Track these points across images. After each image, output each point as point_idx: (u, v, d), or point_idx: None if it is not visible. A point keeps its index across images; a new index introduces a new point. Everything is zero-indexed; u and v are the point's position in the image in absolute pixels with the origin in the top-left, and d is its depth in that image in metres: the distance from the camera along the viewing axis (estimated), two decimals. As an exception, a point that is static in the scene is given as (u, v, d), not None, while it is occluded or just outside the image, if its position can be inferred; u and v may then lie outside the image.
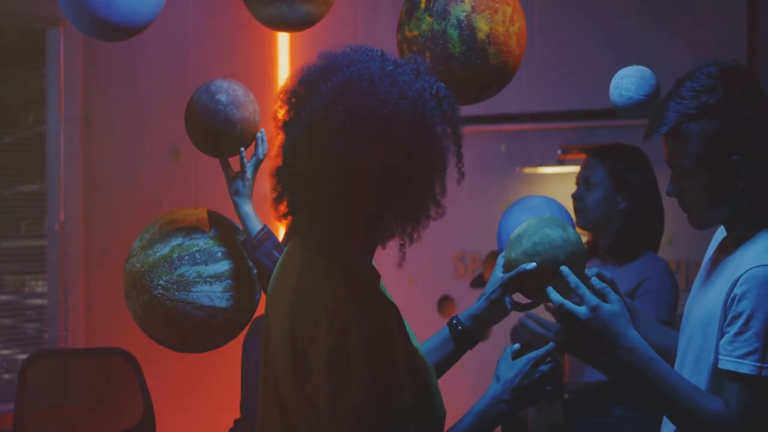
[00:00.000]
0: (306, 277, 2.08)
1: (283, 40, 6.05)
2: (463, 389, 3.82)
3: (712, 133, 2.29)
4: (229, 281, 2.68)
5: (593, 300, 2.32)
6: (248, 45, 5.86)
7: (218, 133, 2.90)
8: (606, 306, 2.32)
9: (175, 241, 2.73)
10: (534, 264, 2.40)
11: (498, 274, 2.52)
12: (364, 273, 2.09)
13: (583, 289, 2.33)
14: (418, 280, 5.80)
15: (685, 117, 2.30)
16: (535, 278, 2.41)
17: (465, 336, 2.50)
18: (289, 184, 2.04)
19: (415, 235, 2.05)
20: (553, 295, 2.35)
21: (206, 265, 2.68)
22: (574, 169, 5.62)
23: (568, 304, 2.32)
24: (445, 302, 5.85)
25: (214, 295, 2.67)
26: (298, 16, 3.20)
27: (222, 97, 2.95)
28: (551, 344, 2.27)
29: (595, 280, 2.39)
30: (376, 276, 2.19)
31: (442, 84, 2.08)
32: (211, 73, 5.44)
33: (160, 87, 5.45)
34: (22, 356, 4.94)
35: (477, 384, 3.81)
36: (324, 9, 3.24)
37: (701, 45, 5.18)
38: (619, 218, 3.67)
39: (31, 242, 5.27)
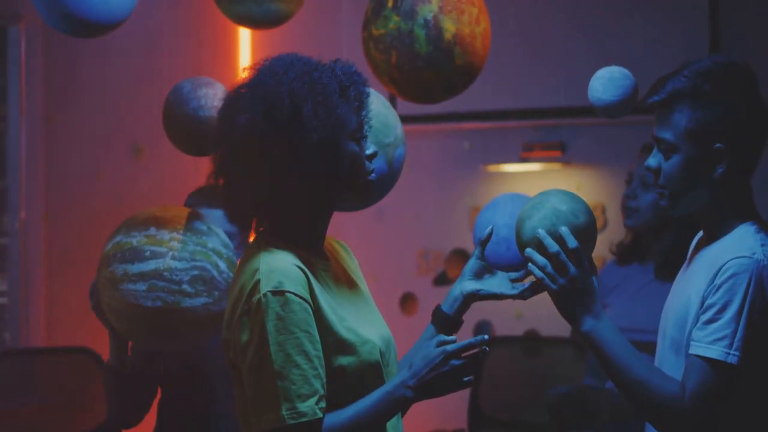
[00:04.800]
0: (245, 256, 2.34)
1: (245, 35, 6.03)
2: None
3: (700, 116, 2.36)
4: (154, 281, 2.67)
5: (585, 264, 2.40)
6: (209, 41, 5.84)
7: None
8: (591, 276, 2.42)
9: (117, 239, 2.75)
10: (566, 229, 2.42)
11: (470, 264, 2.61)
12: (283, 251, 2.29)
13: (582, 253, 2.40)
14: (380, 277, 5.81)
15: (680, 94, 2.37)
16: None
17: (443, 319, 2.57)
18: (225, 180, 2.36)
19: (360, 195, 2.43)
20: (548, 240, 2.40)
21: (132, 263, 2.69)
22: (537, 167, 5.66)
23: (563, 255, 2.38)
24: (407, 300, 5.86)
25: (138, 294, 2.67)
26: (267, 15, 3.20)
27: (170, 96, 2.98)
28: (470, 340, 2.27)
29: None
30: (323, 260, 2.40)
31: (342, 61, 2.39)
32: (171, 68, 5.45)
33: (121, 84, 5.42)
34: (-17, 356, 4.89)
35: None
36: (293, 7, 3.24)
37: (663, 41, 5.22)
38: (673, 228, 3.52)
39: (-8, 240, 5.23)
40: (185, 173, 5.45)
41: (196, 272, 2.70)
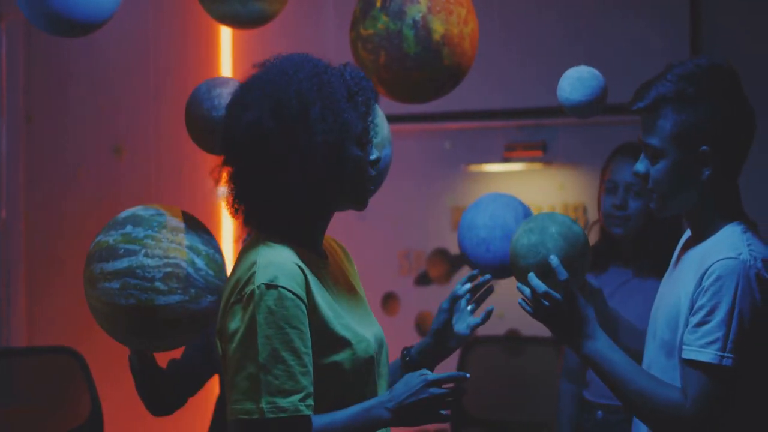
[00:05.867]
0: (243, 250, 2.36)
1: (226, 35, 6.01)
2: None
3: (685, 120, 2.37)
4: (126, 279, 2.68)
5: (573, 292, 2.44)
6: (192, 41, 5.82)
7: None
8: (583, 299, 2.45)
9: (98, 238, 2.78)
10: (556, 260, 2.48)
11: (443, 305, 2.67)
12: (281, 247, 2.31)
13: (571, 283, 2.44)
14: (362, 277, 5.77)
15: (664, 98, 2.38)
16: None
17: (412, 368, 2.59)
18: (229, 172, 2.37)
19: (359, 199, 2.40)
20: (535, 281, 2.45)
21: (107, 262, 2.71)
22: (519, 167, 5.67)
23: (552, 292, 2.43)
24: (389, 300, 5.86)
25: (113, 292, 2.69)
26: (251, 14, 3.20)
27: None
28: (451, 373, 2.30)
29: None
30: (322, 258, 2.42)
31: (351, 66, 2.40)
32: (152, 68, 5.44)
33: (101, 84, 5.40)
34: (-37, 356, 4.86)
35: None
36: (278, 7, 3.23)
37: (646, 40, 5.24)
38: (662, 227, 3.51)
39: (-28, 240, 5.20)
40: (166, 173, 5.44)
41: (169, 269, 2.70)
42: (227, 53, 6.02)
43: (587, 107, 2.81)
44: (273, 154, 2.27)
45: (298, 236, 2.35)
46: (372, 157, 2.39)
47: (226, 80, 2.90)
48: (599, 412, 3.61)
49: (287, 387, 2.18)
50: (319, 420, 2.23)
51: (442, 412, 2.27)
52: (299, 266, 2.26)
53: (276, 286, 2.20)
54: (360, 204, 2.42)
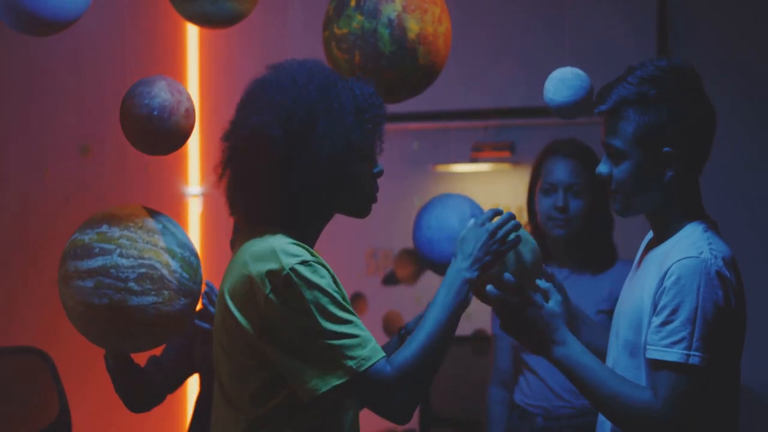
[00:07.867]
0: (247, 244, 2.36)
1: (193, 34, 6.00)
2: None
3: (647, 122, 2.39)
4: (100, 278, 2.68)
5: (539, 299, 2.44)
6: (158, 40, 5.81)
7: None
8: (548, 305, 2.45)
9: (73, 237, 2.79)
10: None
11: None
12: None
13: (526, 291, 2.45)
14: (330, 277, 5.80)
15: (626, 101, 2.40)
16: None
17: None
18: (230, 172, 2.41)
19: (362, 209, 2.47)
20: (494, 292, 2.45)
21: (81, 260, 2.70)
22: (487, 167, 5.68)
23: (513, 300, 2.43)
24: (356, 299, 5.87)
25: (86, 290, 2.69)
26: (222, 13, 3.18)
27: None
28: (502, 218, 2.44)
29: (541, 282, 2.51)
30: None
31: (362, 79, 2.46)
32: (117, 68, 5.41)
33: (68, 81, 5.37)
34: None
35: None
36: (248, 6, 3.21)
37: (612, 46, 5.26)
38: (600, 226, 3.60)
39: (-64, 240, 5.16)
40: (133, 172, 5.43)
41: (143, 270, 2.69)
42: (194, 53, 6.01)
43: (572, 108, 2.83)
44: (275, 161, 2.32)
45: (294, 235, 2.38)
46: (375, 170, 2.47)
47: (152, 79, 2.85)
48: (539, 419, 3.61)
49: (359, 341, 2.24)
50: (415, 339, 2.31)
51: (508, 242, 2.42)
52: (305, 248, 2.31)
53: (307, 262, 2.26)
54: (362, 213, 2.50)
